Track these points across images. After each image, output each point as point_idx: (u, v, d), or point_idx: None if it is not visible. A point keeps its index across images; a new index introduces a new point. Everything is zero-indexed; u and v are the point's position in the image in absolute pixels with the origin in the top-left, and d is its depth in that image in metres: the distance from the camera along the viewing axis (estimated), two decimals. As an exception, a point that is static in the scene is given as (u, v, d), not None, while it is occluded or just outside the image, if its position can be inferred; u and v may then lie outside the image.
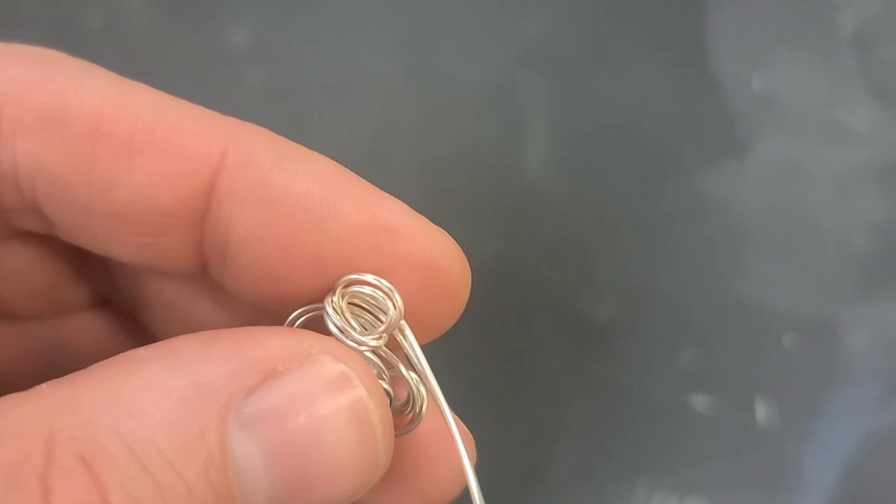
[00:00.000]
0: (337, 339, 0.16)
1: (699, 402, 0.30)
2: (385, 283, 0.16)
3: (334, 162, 0.17)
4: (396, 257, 0.16)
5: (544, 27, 0.34)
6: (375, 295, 0.16)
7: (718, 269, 0.31)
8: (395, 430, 0.16)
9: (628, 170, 0.32)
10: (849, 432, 0.30)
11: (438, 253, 0.17)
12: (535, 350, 0.31)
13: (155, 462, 0.13)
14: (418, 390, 0.17)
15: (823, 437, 0.30)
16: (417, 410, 0.17)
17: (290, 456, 0.14)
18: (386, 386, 0.17)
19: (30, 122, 0.16)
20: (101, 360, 0.15)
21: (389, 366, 0.17)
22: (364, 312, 0.17)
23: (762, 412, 0.30)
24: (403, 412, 0.17)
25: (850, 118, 0.32)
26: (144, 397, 0.14)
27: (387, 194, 0.17)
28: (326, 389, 0.15)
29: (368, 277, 0.16)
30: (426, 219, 0.17)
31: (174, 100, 0.17)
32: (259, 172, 0.16)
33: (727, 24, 0.33)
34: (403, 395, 0.17)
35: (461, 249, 0.17)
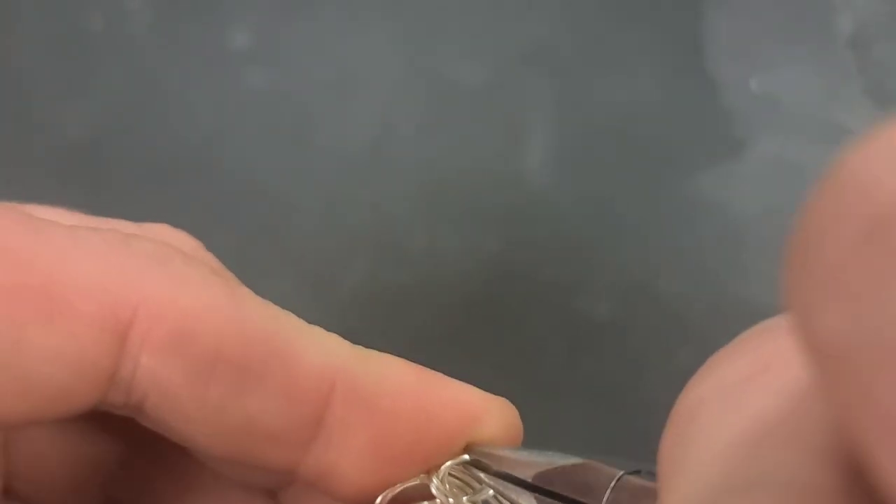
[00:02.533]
0: None
1: (697, 400, 0.30)
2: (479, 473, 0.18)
3: (411, 366, 0.19)
4: (479, 437, 0.18)
5: (544, 28, 0.34)
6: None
7: (717, 268, 0.31)
8: None
9: (627, 169, 0.33)
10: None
11: (503, 430, 0.19)
12: (534, 349, 0.31)
13: None
14: None
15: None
16: None
17: None
18: None
19: (158, 341, 0.17)
20: None
21: None
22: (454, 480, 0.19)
23: (760, 411, 0.30)
24: None
25: (848, 119, 0.32)
26: None
27: (461, 384, 0.19)
28: None
29: (468, 466, 0.18)
30: (486, 394, 0.19)
31: (285, 318, 0.18)
32: (365, 399, 0.17)
33: (725, 24, 0.33)
34: None
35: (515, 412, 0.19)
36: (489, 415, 0.18)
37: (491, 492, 0.18)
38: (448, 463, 0.18)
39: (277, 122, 0.34)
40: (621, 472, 0.17)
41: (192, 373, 0.17)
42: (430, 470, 0.18)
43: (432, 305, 0.31)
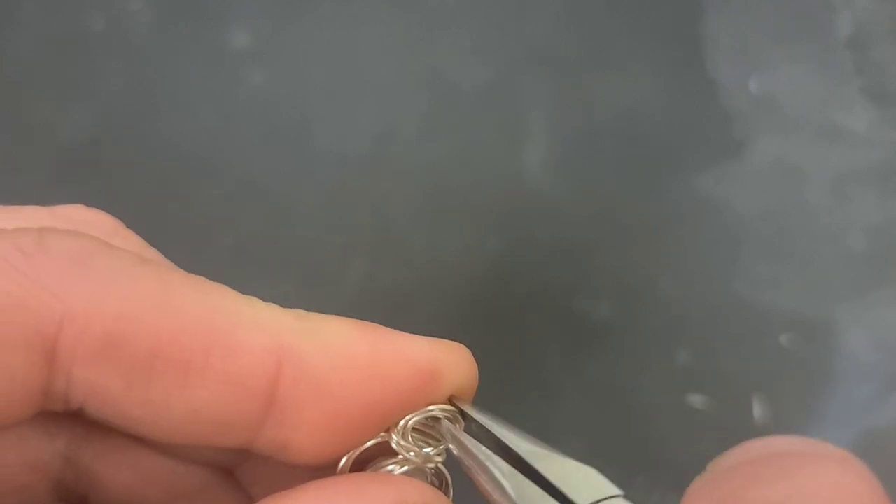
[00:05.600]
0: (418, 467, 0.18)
1: (697, 400, 0.30)
2: (445, 422, 0.18)
3: (358, 323, 0.18)
4: (439, 392, 0.18)
5: (545, 29, 0.34)
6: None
7: (716, 268, 0.31)
8: None
9: (626, 170, 0.33)
10: (845, 431, 0.30)
11: (462, 380, 0.18)
12: (534, 349, 0.31)
13: None
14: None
15: (820, 436, 0.30)
16: None
17: None
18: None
19: (88, 351, 0.16)
20: None
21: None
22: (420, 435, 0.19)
23: (759, 411, 0.30)
24: None
25: (847, 119, 0.32)
26: None
27: (430, 340, 0.18)
28: None
29: (430, 417, 0.18)
30: (443, 342, 0.18)
31: (221, 298, 0.17)
32: (316, 377, 0.17)
33: (725, 25, 0.33)
34: None
35: (472, 358, 0.19)
36: (446, 367, 0.18)
37: (453, 446, 0.18)
38: (407, 418, 0.18)
39: (277, 123, 0.34)
40: (619, 493, 0.16)
41: (130, 376, 0.16)
42: (391, 428, 0.18)
43: (432, 305, 0.31)
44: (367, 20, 0.35)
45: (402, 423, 0.18)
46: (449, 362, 0.18)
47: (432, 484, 0.18)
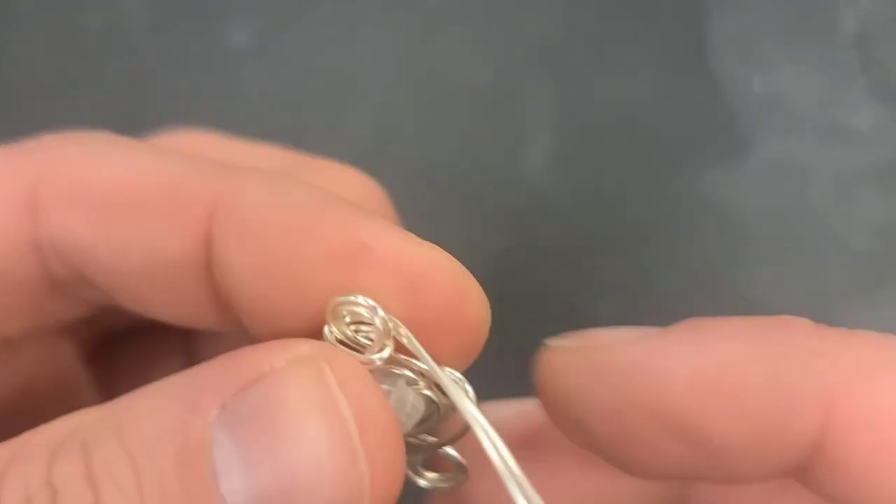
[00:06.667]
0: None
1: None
2: (367, 301, 0.16)
3: (321, 188, 0.18)
4: (376, 273, 0.16)
5: (546, 27, 0.34)
6: (364, 313, 0.16)
7: (719, 268, 0.31)
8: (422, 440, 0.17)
9: (629, 170, 0.32)
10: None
11: (421, 265, 0.17)
12: (534, 349, 0.31)
13: (135, 447, 0.14)
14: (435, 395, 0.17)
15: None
16: (439, 415, 0.17)
17: (264, 459, 0.14)
18: (414, 395, 0.17)
19: (59, 197, 0.18)
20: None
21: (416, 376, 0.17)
22: (371, 329, 0.17)
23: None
24: (429, 419, 0.17)
25: (852, 118, 0.31)
26: (147, 394, 0.15)
27: (372, 214, 0.17)
28: (302, 386, 0.15)
29: (352, 297, 0.16)
30: (412, 235, 0.17)
31: (178, 159, 0.19)
32: (244, 212, 0.17)
33: (728, 24, 0.33)
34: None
35: (456, 261, 0.17)
36: (384, 247, 0.17)
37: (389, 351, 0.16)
38: (338, 298, 0.16)
39: (276, 122, 0.34)
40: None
41: (91, 218, 0.18)
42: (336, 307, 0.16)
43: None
44: (366, 19, 0.34)
45: (331, 302, 0.16)
46: (391, 242, 0.17)
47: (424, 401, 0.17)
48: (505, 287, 0.31)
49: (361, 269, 0.16)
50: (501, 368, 0.31)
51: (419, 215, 0.33)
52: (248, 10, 0.35)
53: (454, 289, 0.17)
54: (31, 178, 0.19)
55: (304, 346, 0.16)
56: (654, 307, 0.31)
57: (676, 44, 0.33)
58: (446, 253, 0.17)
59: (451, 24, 0.34)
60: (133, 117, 0.34)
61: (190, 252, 0.18)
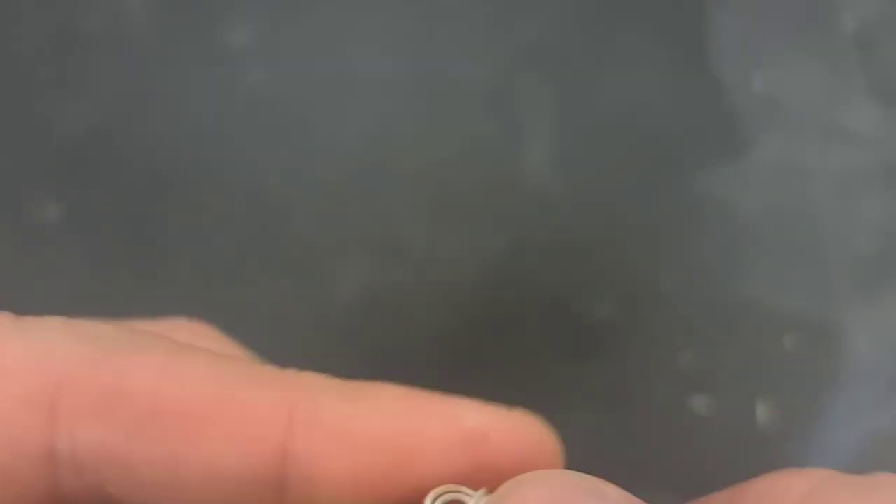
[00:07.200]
0: None
1: (700, 402, 0.30)
2: (470, 490, 0.16)
3: (398, 387, 0.17)
4: (487, 460, 0.16)
5: (545, 27, 0.34)
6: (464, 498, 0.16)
7: (719, 269, 0.31)
8: None
9: (629, 170, 0.32)
10: (850, 433, 0.30)
11: (532, 447, 0.17)
12: (535, 351, 0.31)
13: None
14: None
15: (824, 438, 0.30)
16: None
17: None
18: None
19: (88, 405, 0.16)
20: None
21: None
22: None
23: (763, 413, 0.30)
24: None
25: (852, 118, 0.31)
26: None
27: (462, 401, 0.17)
28: None
29: (455, 487, 0.16)
30: (507, 410, 0.17)
31: (235, 363, 0.17)
32: (331, 424, 0.16)
33: (728, 23, 0.33)
34: None
35: (548, 430, 0.17)
36: (495, 431, 0.16)
37: None
38: (437, 490, 0.16)
39: (276, 122, 0.34)
40: None
41: (131, 430, 0.16)
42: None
43: (432, 307, 0.31)
44: (367, 19, 0.34)
45: (430, 494, 0.16)
46: (500, 425, 0.16)
47: None
48: (506, 288, 0.31)
49: (477, 457, 0.16)
50: (501, 368, 0.31)
51: (419, 215, 0.33)
52: (247, 9, 0.35)
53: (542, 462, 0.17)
54: (54, 375, 0.16)
55: None
56: (654, 307, 0.31)
57: (676, 43, 0.33)
58: (538, 423, 0.17)
59: (451, 23, 0.34)
60: (131, 116, 0.34)
61: (258, 467, 0.16)
